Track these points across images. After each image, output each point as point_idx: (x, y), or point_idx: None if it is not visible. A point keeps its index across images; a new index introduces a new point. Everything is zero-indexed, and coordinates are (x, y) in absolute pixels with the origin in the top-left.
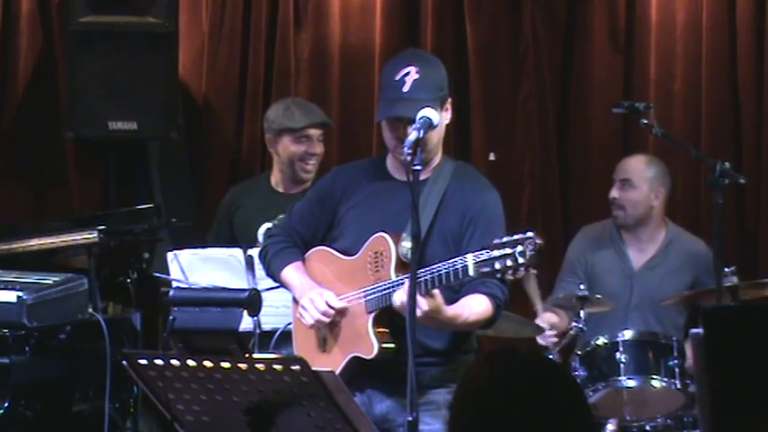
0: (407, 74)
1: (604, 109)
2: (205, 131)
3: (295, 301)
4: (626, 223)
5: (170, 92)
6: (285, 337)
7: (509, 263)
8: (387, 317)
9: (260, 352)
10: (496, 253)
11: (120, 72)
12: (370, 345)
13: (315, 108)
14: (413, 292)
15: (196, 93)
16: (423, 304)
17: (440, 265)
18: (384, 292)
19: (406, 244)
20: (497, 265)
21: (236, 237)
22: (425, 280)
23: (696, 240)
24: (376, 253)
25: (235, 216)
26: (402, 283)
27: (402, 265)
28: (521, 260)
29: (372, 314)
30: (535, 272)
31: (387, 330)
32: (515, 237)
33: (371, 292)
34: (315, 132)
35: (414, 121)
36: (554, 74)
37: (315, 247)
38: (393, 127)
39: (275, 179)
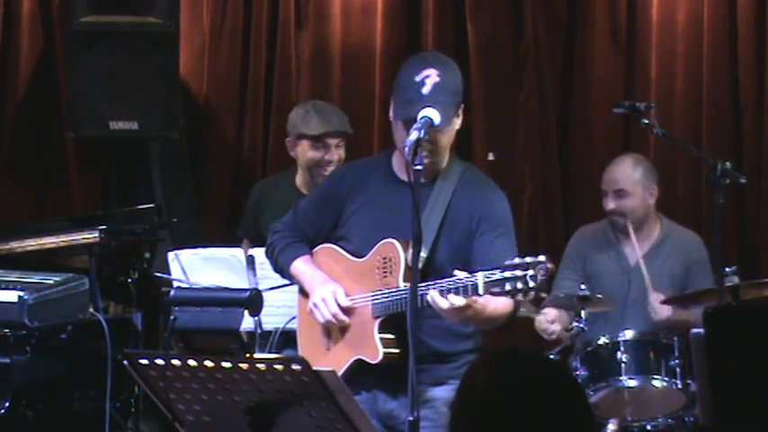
0: (428, 76)
1: (605, 109)
2: (206, 131)
3: (302, 293)
4: (627, 228)
5: (171, 92)
6: (290, 339)
7: (519, 285)
8: (393, 322)
9: (260, 351)
10: (507, 274)
11: (121, 72)
12: (375, 350)
13: (335, 114)
14: (414, 291)
15: (197, 93)
16: (472, 303)
17: (450, 280)
18: (392, 299)
19: None
20: (507, 287)
21: (263, 237)
22: (471, 285)
23: (689, 233)
24: (385, 258)
25: (261, 217)
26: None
27: (410, 274)
28: (531, 284)
29: (379, 319)
30: (544, 295)
31: (392, 336)
32: (527, 260)
33: (379, 297)
34: (332, 140)
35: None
36: (555, 73)
37: (320, 244)
38: (408, 127)
39: (299, 180)
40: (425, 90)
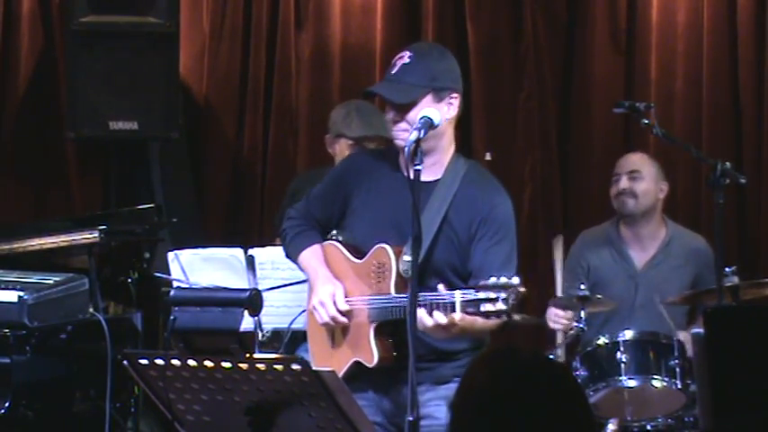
0: (401, 57)
1: (605, 109)
2: (205, 131)
3: (311, 287)
4: (635, 212)
5: (171, 92)
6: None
7: (492, 307)
8: (389, 326)
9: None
10: (482, 295)
11: (121, 72)
12: (371, 355)
13: (376, 117)
14: (413, 293)
15: (197, 93)
16: (457, 320)
17: (431, 295)
18: (385, 307)
19: (408, 258)
20: (482, 308)
21: None
22: (449, 303)
23: (696, 236)
24: (379, 263)
25: None
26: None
27: (402, 282)
28: (503, 307)
29: (374, 324)
30: (518, 317)
31: (389, 340)
32: (502, 281)
33: (374, 302)
34: (370, 144)
35: (391, 102)
36: (555, 73)
37: (328, 239)
38: (386, 108)
39: None
40: (393, 70)
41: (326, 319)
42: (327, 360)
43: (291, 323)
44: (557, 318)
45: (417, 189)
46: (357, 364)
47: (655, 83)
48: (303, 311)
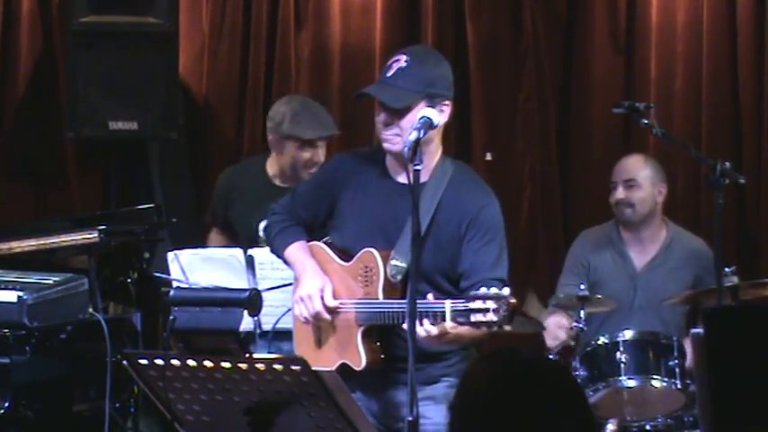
0: (397, 60)
1: (605, 109)
2: (205, 131)
3: (298, 282)
4: (633, 221)
5: (170, 92)
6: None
7: (483, 318)
8: (376, 330)
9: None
10: (472, 305)
11: (121, 72)
12: (359, 358)
13: (321, 115)
14: (413, 292)
15: (196, 93)
16: (448, 329)
17: (422, 303)
18: (374, 311)
19: (395, 263)
20: (472, 318)
21: (234, 229)
22: (440, 312)
23: (697, 239)
24: (366, 267)
25: (231, 208)
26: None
27: (390, 287)
28: (494, 318)
29: (362, 327)
30: (509, 328)
31: (377, 343)
32: (493, 292)
33: (362, 306)
34: (321, 142)
35: (385, 105)
36: (554, 73)
37: (313, 238)
38: (377, 110)
39: (273, 171)
40: (389, 73)
41: (310, 313)
42: (313, 361)
43: (276, 323)
44: (557, 332)
45: (417, 189)
46: (344, 365)
47: (655, 83)
48: (288, 311)
